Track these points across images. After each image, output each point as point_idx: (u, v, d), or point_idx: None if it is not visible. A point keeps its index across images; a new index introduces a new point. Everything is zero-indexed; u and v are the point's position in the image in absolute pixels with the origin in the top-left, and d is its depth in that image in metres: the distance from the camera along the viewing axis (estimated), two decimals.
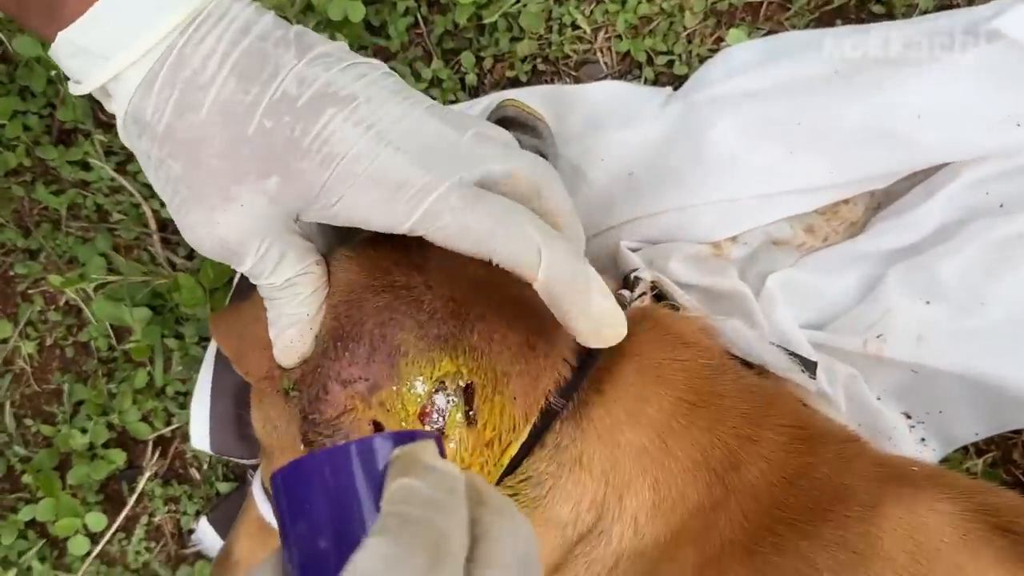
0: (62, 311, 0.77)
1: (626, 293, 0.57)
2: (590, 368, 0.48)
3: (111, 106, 0.41)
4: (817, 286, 0.61)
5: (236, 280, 0.66)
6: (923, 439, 0.62)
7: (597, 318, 0.41)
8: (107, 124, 0.73)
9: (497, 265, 0.40)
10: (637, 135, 0.62)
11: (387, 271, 0.47)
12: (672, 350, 0.51)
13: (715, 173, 0.58)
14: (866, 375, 0.59)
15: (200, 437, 0.65)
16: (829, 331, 0.60)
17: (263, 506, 0.62)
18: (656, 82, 0.65)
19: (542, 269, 0.39)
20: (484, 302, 0.47)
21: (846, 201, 0.61)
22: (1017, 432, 0.63)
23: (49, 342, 0.78)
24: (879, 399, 0.60)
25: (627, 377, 0.48)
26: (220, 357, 0.64)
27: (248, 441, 0.66)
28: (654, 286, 0.58)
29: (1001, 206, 0.58)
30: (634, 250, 0.61)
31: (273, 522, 0.61)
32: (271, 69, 0.39)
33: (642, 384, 0.48)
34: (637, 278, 0.57)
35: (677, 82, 0.64)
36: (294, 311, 0.44)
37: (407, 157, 0.39)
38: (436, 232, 0.40)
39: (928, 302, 0.59)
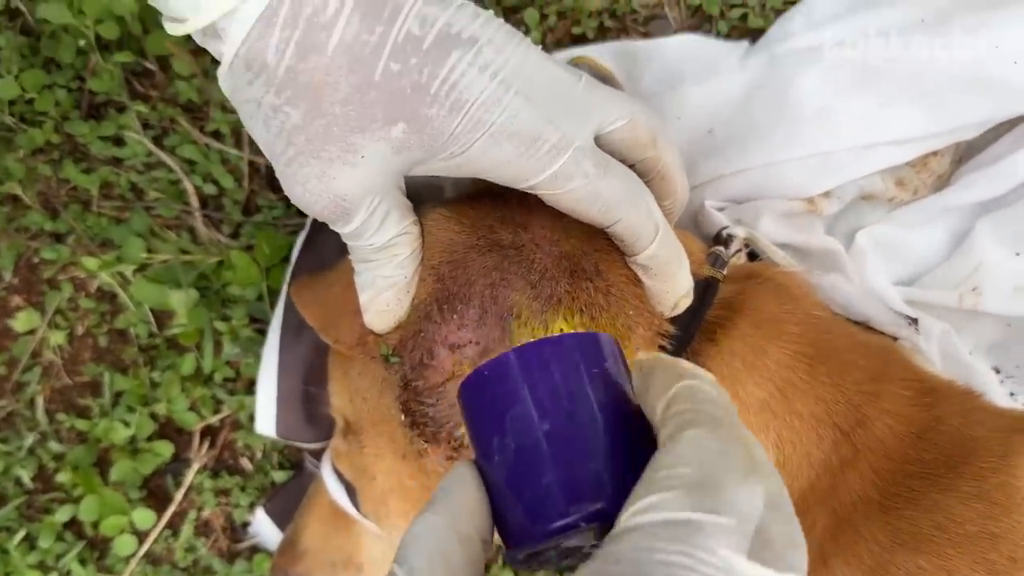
0: (94, 298, 0.72)
1: (721, 250, 0.54)
2: (699, 321, 0.46)
3: (217, 47, 0.37)
4: (907, 241, 0.59)
5: (295, 256, 0.62)
6: (1012, 393, 0.61)
7: (682, 292, 0.43)
8: (143, 96, 0.69)
9: (605, 232, 0.41)
10: (716, 91, 0.60)
11: (491, 229, 0.45)
12: (785, 304, 0.49)
13: (805, 127, 0.57)
14: (957, 330, 0.58)
15: (266, 421, 0.62)
16: (920, 286, 0.59)
17: (335, 490, 0.59)
18: (729, 37, 0.63)
19: (655, 243, 0.41)
20: (594, 261, 0.45)
21: (935, 153, 0.59)
22: None
23: (80, 331, 0.73)
24: (971, 354, 0.59)
25: (742, 330, 0.47)
26: (286, 336, 0.61)
27: (315, 424, 0.63)
28: (747, 243, 0.56)
29: None
30: (719, 209, 0.59)
31: (347, 507, 0.58)
32: (392, 7, 0.36)
33: (759, 337, 0.47)
34: (730, 235, 0.55)
35: (752, 36, 0.62)
36: (391, 273, 0.42)
37: (535, 109, 0.37)
38: (563, 194, 0.38)
39: (1019, 253, 0.58)
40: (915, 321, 0.55)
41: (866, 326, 0.55)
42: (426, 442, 0.45)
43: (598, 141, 0.39)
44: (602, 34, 0.64)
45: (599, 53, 0.62)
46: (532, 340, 0.28)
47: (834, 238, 0.58)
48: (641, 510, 0.21)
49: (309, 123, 0.37)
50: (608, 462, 0.24)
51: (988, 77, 0.55)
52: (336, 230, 0.40)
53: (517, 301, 0.43)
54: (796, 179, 0.57)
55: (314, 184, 0.38)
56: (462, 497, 0.26)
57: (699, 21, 0.63)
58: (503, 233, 0.44)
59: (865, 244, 0.58)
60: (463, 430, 0.44)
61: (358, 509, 0.57)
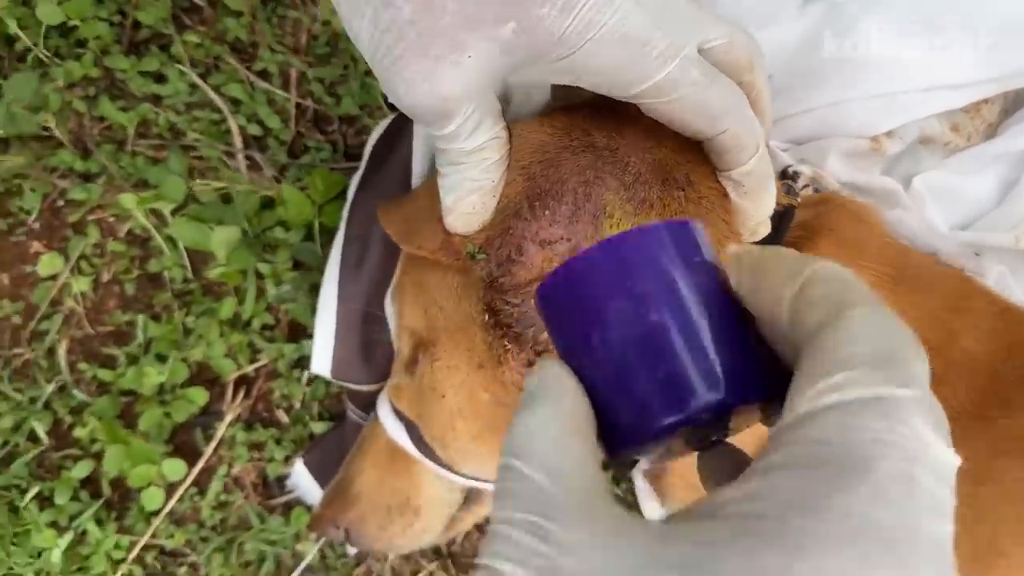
0: (124, 241, 0.69)
1: (791, 183, 0.55)
2: (779, 242, 0.47)
3: None
4: (960, 187, 0.61)
5: (352, 195, 0.60)
6: None
7: (766, 214, 0.44)
8: (189, 27, 0.67)
9: (704, 143, 0.41)
10: (775, 38, 0.61)
11: (585, 132, 0.45)
12: (864, 227, 0.50)
13: (872, 68, 0.58)
14: (1012, 272, 0.60)
15: (322, 360, 0.59)
16: (975, 230, 0.60)
17: (394, 429, 0.57)
18: None
19: (755, 159, 0.41)
20: (686, 171, 0.45)
21: (987, 101, 0.61)
22: None
23: (106, 278, 0.70)
24: None
25: (823, 250, 0.47)
26: (346, 269, 0.59)
27: (371, 364, 0.60)
28: (813, 180, 0.57)
29: None
30: (783, 151, 0.60)
31: (407, 445, 0.56)
32: None
33: (841, 257, 0.47)
34: (796, 172, 0.56)
35: None
36: (478, 177, 0.41)
37: (647, 14, 0.37)
38: (669, 103, 0.38)
39: None
40: (978, 255, 0.56)
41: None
42: (508, 344, 0.44)
43: None
44: None
45: None
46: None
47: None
48: (827, 389, 0.20)
49: (420, 18, 0.36)
50: (722, 351, 0.23)
51: None
52: (431, 132, 0.40)
53: (610, 201, 0.42)
54: (862, 117, 0.58)
55: (419, 84, 0.37)
56: (564, 392, 0.24)
57: None
58: (597, 136, 0.44)
59: (922, 188, 0.59)
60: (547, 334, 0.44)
61: (418, 448, 0.56)
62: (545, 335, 0.43)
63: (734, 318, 0.24)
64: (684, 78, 0.37)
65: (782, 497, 0.19)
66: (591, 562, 0.20)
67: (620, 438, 0.24)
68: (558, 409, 0.24)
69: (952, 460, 0.20)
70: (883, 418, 0.19)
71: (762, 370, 0.24)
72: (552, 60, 0.38)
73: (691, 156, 0.45)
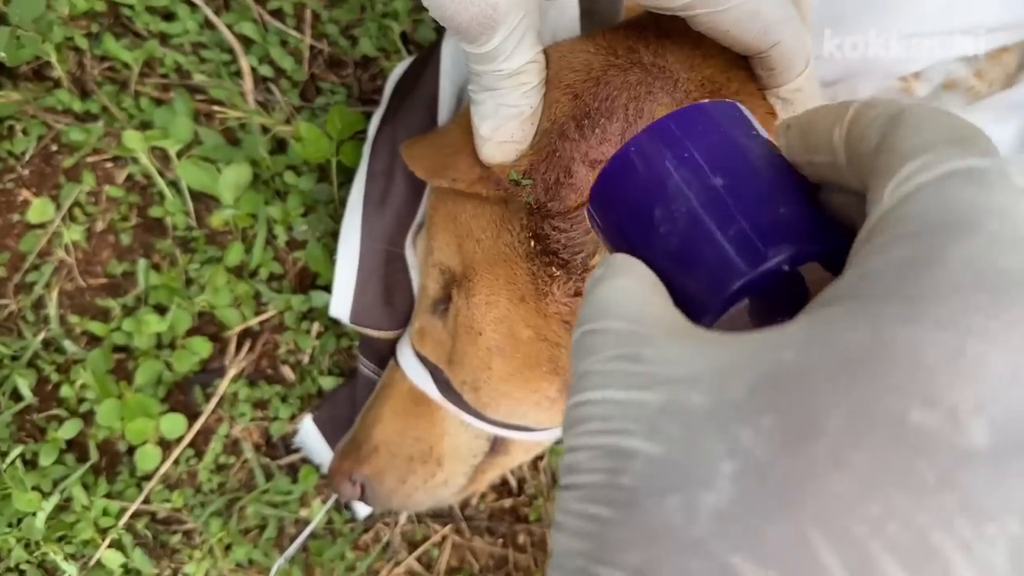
0: (122, 187, 0.65)
1: None
2: None
3: None
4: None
5: (372, 133, 0.58)
6: None
7: None
8: None
9: (754, 59, 0.40)
10: None
11: (631, 49, 0.44)
12: None
13: (898, 10, 0.58)
14: None
15: (341, 303, 0.56)
16: None
17: (418, 373, 0.55)
18: None
19: (803, 75, 0.40)
20: (734, 88, 0.44)
21: (1006, 49, 0.62)
22: None
23: (100, 228, 0.66)
24: None
25: None
26: (368, 207, 0.56)
27: (392, 309, 0.57)
28: None
29: None
30: None
31: (431, 391, 0.54)
32: None
33: None
34: None
35: None
36: (517, 102, 0.41)
37: None
38: (723, 12, 0.37)
39: None
40: None
41: None
42: (556, 271, 0.43)
43: None
44: None
45: None
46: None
47: None
48: (912, 173, 0.19)
49: None
50: (789, 207, 0.23)
51: None
52: (469, 50, 0.39)
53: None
54: (891, 58, 0.59)
55: None
56: (635, 266, 0.23)
57: None
58: (644, 53, 0.43)
59: None
60: (599, 247, 0.42)
61: (444, 394, 0.53)
62: (595, 260, 0.42)
63: (794, 181, 0.24)
64: None
65: (895, 261, 0.17)
66: (693, 364, 0.18)
67: (708, 302, 0.23)
68: (631, 277, 0.23)
69: None
70: (978, 184, 0.18)
71: (829, 227, 0.23)
72: None
73: (738, 73, 0.44)
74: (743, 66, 0.42)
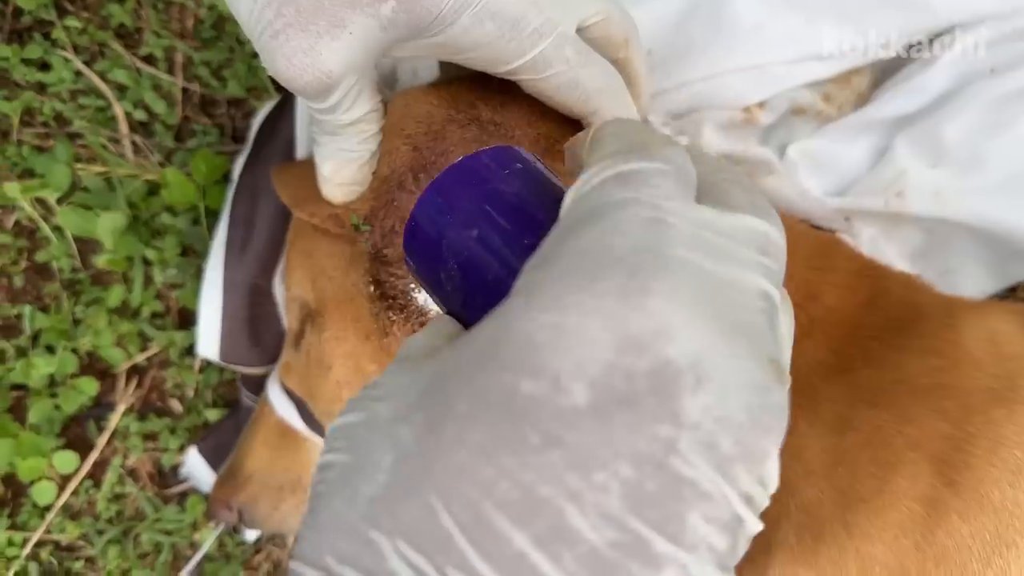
0: (11, 233, 0.68)
1: None
2: None
3: None
4: (834, 155, 0.62)
5: (237, 173, 0.60)
6: None
7: None
8: (71, 13, 0.66)
9: (583, 120, 0.42)
10: (652, 13, 0.62)
11: (471, 105, 0.45)
12: None
13: (742, 41, 0.59)
14: (884, 237, 0.61)
15: (209, 343, 0.59)
16: (849, 196, 0.62)
17: (284, 407, 0.57)
18: None
19: None
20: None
21: (856, 72, 0.63)
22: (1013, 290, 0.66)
23: None
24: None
25: None
26: (231, 253, 0.59)
27: (260, 346, 0.60)
28: None
29: (992, 70, 0.61)
30: (662, 124, 0.61)
31: (296, 423, 0.56)
32: None
33: None
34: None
35: None
36: (355, 148, 0.42)
37: None
38: (543, 80, 0.39)
39: (934, 166, 0.62)
40: (848, 220, 0.58)
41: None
42: (393, 316, 0.44)
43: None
44: None
45: None
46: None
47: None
48: (581, 184, 0.21)
49: None
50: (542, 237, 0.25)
51: None
52: (311, 105, 0.40)
53: None
54: (735, 89, 0.60)
55: (300, 58, 0.37)
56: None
57: None
58: (483, 109, 0.45)
59: (795, 156, 0.61)
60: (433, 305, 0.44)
61: (308, 425, 0.56)
62: (432, 306, 0.43)
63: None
64: (558, 56, 0.38)
65: (536, 258, 0.20)
66: (399, 383, 0.22)
67: None
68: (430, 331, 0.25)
69: (704, 214, 0.20)
70: (626, 183, 0.20)
71: None
72: (431, 36, 0.38)
73: (573, 131, 0.46)
74: (578, 124, 0.44)
